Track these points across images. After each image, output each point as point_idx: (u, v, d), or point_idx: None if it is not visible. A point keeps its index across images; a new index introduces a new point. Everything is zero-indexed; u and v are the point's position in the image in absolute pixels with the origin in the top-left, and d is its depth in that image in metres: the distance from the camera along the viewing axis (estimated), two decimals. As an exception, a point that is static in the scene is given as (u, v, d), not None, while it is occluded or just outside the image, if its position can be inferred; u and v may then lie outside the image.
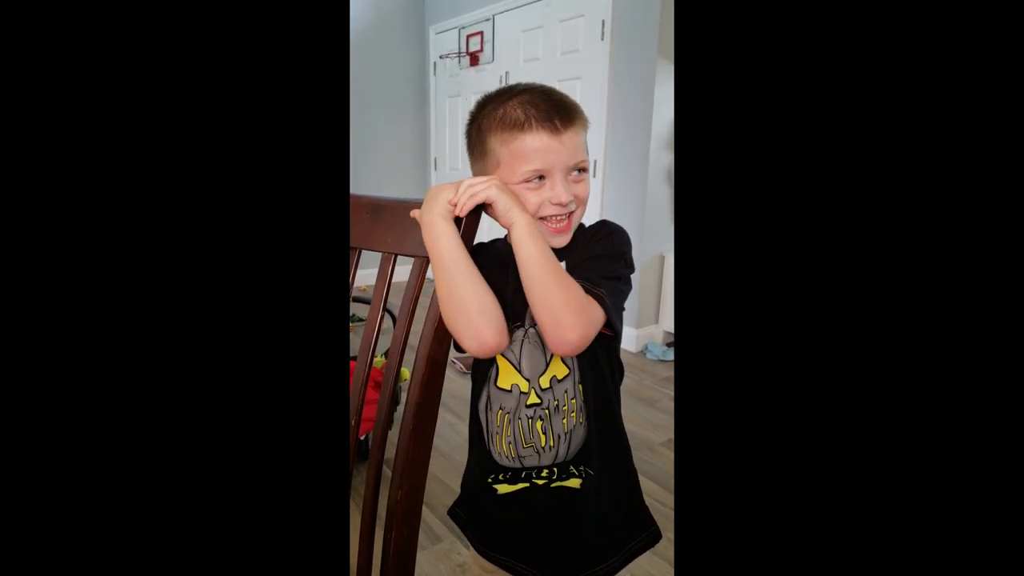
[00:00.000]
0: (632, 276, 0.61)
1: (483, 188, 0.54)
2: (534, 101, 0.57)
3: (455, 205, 0.54)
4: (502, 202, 0.55)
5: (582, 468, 0.63)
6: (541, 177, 0.58)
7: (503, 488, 0.65)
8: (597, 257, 0.60)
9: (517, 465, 0.64)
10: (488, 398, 0.65)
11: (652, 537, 0.70)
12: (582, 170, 0.60)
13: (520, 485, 0.64)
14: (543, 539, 0.65)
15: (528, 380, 0.62)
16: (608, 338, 0.59)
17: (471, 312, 0.54)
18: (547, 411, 0.62)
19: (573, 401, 0.62)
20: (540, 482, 0.63)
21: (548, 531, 0.65)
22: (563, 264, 0.60)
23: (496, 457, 0.64)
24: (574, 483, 0.64)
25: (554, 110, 0.57)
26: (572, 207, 0.60)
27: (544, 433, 0.62)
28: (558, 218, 0.60)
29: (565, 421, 0.62)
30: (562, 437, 0.63)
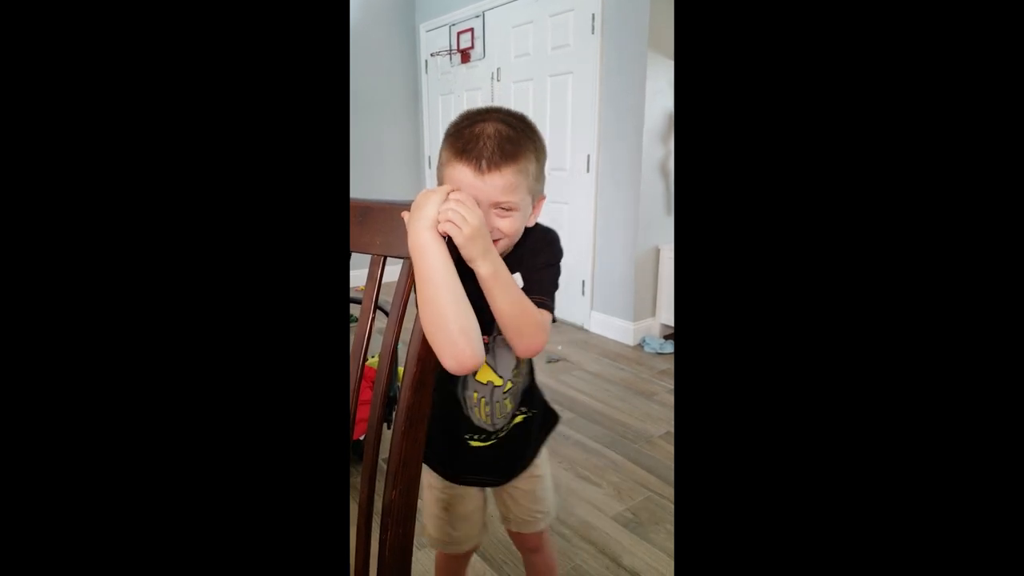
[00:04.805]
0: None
1: (457, 227, 0.54)
2: (482, 139, 0.61)
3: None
4: (468, 250, 0.55)
5: (525, 408, 0.83)
6: None
7: (476, 443, 0.81)
8: (545, 267, 0.71)
9: (492, 428, 0.80)
10: (465, 380, 0.77)
11: (552, 423, 0.92)
12: (509, 209, 0.64)
13: (490, 442, 0.81)
14: (499, 464, 0.85)
15: (502, 376, 0.77)
16: None
17: (452, 331, 0.54)
18: (516, 390, 0.80)
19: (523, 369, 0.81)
20: (503, 434, 0.82)
21: (504, 459, 0.85)
22: (518, 276, 0.68)
23: (476, 422, 0.79)
24: (520, 419, 0.84)
25: (487, 154, 0.61)
26: (493, 237, 0.63)
27: (511, 403, 0.80)
28: None
29: (521, 388, 0.81)
30: (518, 397, 0.82)
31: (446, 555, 0.94)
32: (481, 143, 0.61)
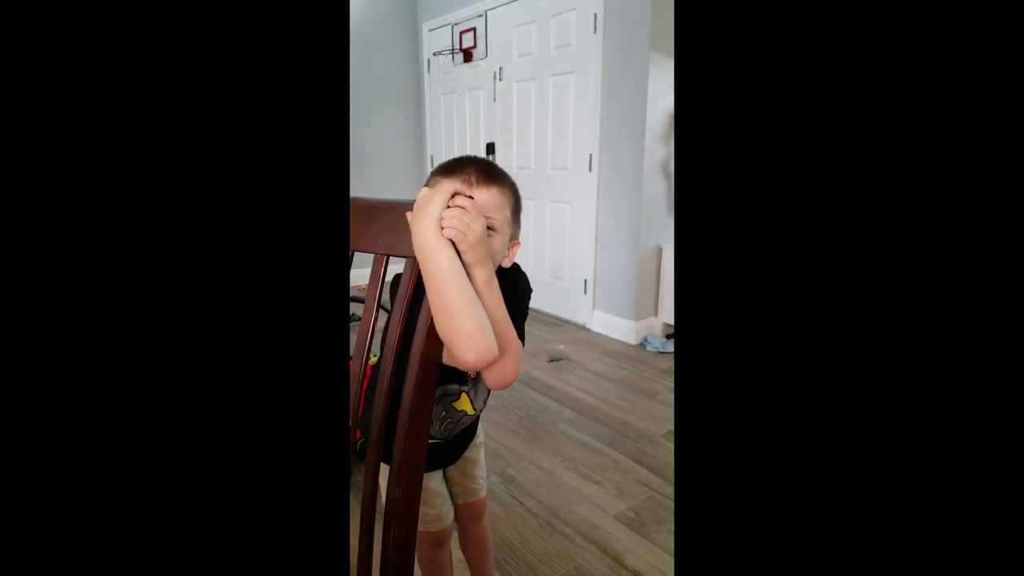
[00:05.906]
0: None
1: (462, 234, 0.54)
2: (468, 165, 0.70)
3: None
4: (469, 256, 0.56)
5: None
6: None
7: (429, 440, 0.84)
8: (520, 301, 0.77)
9: (442, 438, 0.87)
10: (440, 399, 0.81)
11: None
12: (492, 228, 0.68)
13: (436, 441, 0.87)
14: (452, 451, 0.93)
15: (476, 409, 0.87)
16: None
17: (469, 326, 0.54)
18: (476, 417, 0.89)
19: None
20: (451, 438, 0.90)
21: (456, 447, 0.93)
22: None
23: (431, 430, 0.83)
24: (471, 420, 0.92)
25: (474, 172, 0.69)
26: None
27: (468, 423, 0.89)
28: None
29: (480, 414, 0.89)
30: (475, 420, 0.91)
31: (429, 544, 0.99)
32: (467, 167, 0.70)
